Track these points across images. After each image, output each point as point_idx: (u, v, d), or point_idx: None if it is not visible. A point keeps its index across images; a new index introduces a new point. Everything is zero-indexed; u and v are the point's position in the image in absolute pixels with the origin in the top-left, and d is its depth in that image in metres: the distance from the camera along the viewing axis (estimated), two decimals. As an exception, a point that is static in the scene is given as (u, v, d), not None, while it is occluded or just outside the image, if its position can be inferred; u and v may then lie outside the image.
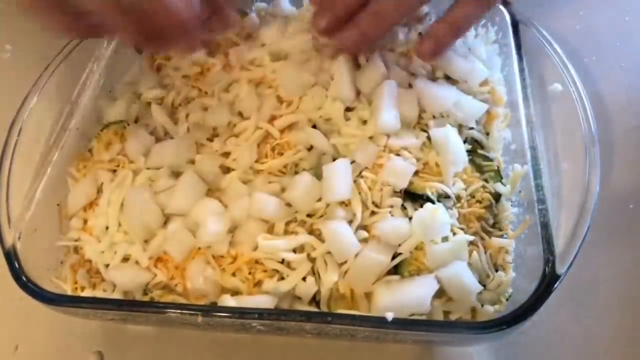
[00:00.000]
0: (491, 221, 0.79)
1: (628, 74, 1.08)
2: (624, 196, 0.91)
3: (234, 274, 0.73)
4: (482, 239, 0.77)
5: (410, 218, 0.74)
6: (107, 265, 0.77)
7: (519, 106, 0.84)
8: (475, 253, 0.74)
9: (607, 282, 0.84)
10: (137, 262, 0.76)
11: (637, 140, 0.98)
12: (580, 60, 1.10)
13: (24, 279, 0.71)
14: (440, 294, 0.71)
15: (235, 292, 0.72)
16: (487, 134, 0.87)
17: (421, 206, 0.75)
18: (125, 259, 0.77)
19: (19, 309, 0.85)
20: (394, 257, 0.72)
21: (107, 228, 0.78)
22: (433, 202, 0.74)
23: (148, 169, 0.81)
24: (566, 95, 0.83)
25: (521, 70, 0.87)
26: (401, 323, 0.63)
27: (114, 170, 0.84)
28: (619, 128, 0.99)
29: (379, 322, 0.63)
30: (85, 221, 0.81)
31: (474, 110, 0.84)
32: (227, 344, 0.82)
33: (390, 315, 0.63)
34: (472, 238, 0.74)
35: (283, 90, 0.85)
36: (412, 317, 0.66)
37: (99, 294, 0.77)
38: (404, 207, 0.75)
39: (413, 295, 0.67)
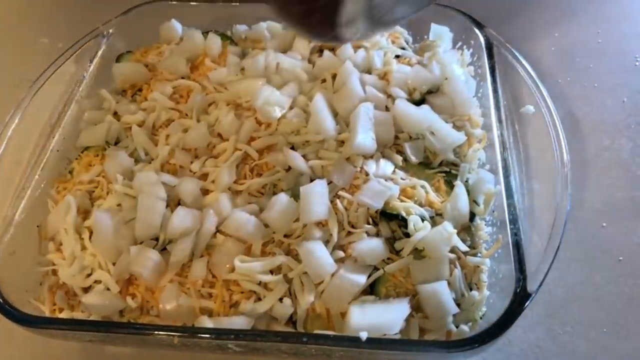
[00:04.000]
0: (468, 242, 0.80)
1: (601, 94, 1.10)
2: (596, 215, 0.93)
3: (210, 295, 0.73)
4: (458, 258, 0.78)
5: (387, 238, 0.76)
6: (82, 289, 0.77)
7: (492, 127, 0.86)
8: (456, 270, 0.75)
9: (582, 299, 0.85)
10: (108, 289, 0.76)
11: (609, 159, 1.00)
12: (554, 80, 1.12)
13: (2, 302, 0.71)
14: (417, 309, 0.72)
15: (210, 314, 0.73)
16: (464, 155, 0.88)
17: (399, 226, 0.77)
18: (98, 282, 0.77)
19: (-2, 331, 0.85)
20: (370, 275, 0.73)
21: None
22: (406, 221, 0.75)
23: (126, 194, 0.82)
24: (539, 116, 0.85)
25: (495, 92, 0.89)
26: (375, 342, 0.64)
27: (93, 192, 0.84)
28: (592, 147, 1.02)
29: (353, 341, 0.64)
30: (60, 244, 0.81)
31: (451, 140, 0.85)
32: (206, 365, 0.82)
33: (364, 335, 0.64)
34: (453, 256, 0.75)
35: (259, 112, 0.86)
36: (386, 337, 0.67)
37: (77, 315, 0.77)
38: (375, 224, 0.77)
39: (385, 317, 0.68)
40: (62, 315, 0.77)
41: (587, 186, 0.96)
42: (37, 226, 0.84)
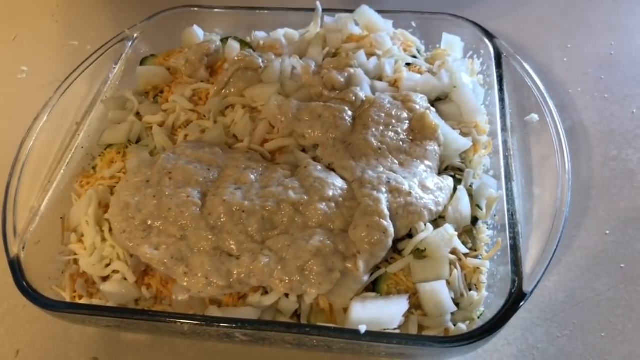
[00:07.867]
0: (470, 244, 0.83)
1: (611, 104, 1.12)
2: (600, 222, 0.95)
3: (219, 287, 0.77)
4: (459, 259, 0.81)
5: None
6: (101, 278, 0.82)
7: (497, 135, 0.88)
8: (455, 271, 0.77)
9: (582, 304, 0.87)
10: (125, 279, 0.80)
11: (615, 168, 1.01)
12: (565, 90, 1.14)
13: (26, 286, 0.76)
14: (417, 306, 0.75)
15: (220, 305, 0.76)
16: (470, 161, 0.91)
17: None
18: (116, 272, 0.81)
19: (22, 316, 0.90)
20: (372, 273, 0.77)
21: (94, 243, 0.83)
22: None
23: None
24: (544, 125, 0.88)
25: (501, 101, 0.91)
26: (373, 335, 0.67)
27: (114, 187, 0.89)
28: (600, 156, 1.03)
29: (353, 334, 0.67)
30: (82, 235, 0.86)
31: (457, 146, 0.89)
32: (215, 354, 0.85)
33: (363, 328, 0.67)
34: (453, 257, 0.78)
35: (270, 117, 0.90)
36: (384, 331, 0.70)
37: (95, 302, 0.81)
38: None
39: (385, 312, 0.71)
40: (82, 302, 0.82)
41: (592, 194, 0.98)
42: (61, 218, 0.89)
